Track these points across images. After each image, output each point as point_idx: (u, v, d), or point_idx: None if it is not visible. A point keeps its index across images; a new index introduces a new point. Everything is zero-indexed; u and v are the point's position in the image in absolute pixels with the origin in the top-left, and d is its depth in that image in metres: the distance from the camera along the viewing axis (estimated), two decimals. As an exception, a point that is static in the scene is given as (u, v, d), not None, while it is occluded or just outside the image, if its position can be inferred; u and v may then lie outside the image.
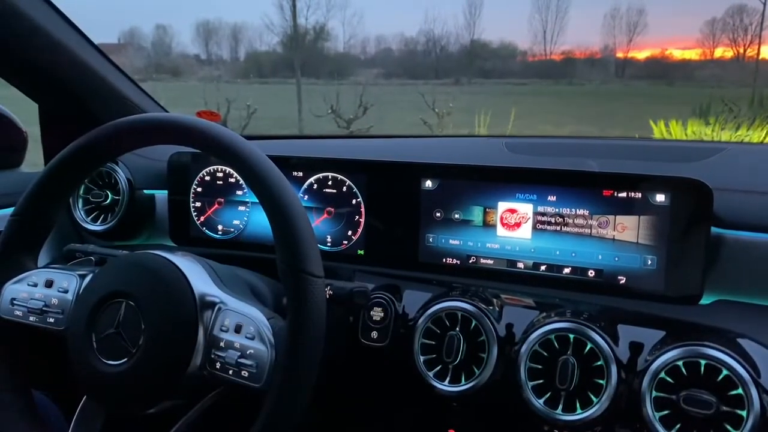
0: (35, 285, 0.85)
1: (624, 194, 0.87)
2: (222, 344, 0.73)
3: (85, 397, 0.82)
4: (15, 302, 0.84)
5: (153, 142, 0.84)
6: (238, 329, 0.74)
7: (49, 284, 0.85)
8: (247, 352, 0.72)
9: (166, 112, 1.30)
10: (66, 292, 0.84)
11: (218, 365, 0.73)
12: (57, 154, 0.84)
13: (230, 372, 0.72)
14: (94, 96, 1.19)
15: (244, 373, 0.71)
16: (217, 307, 0.76)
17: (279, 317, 0.75)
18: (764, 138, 5.40)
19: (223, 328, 0.74)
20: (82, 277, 0.85)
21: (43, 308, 0.83)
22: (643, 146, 1.19)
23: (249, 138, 0.99)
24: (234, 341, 0.73)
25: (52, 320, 0.83)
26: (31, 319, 0.83)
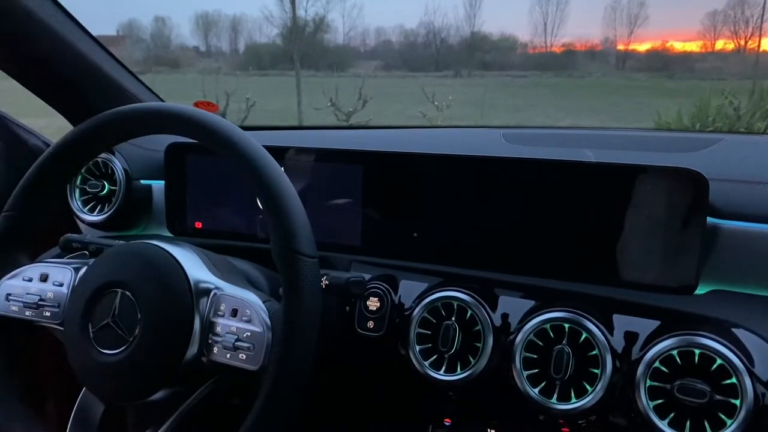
0: (30, 280, 0.85)
1: (620, 184, 0.87)
2: (218, 329, 0.74)
3: (83, 389, 0.82)
4: (10, 298, 0.84)
5: (146, 132, 0.84)
6: (234, 313, 0.74)
7: (44, 278, 0.85)
8: (244, 335, 0.73)
9: (162, 101, 1.30)
10: (61, 285, 0.84)
11: (215, 350, 0.74)
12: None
13: (228, 356, 0.73)
14: (91, 87, 1.19)
15: (242, 356, 0.72)
16: (212, 293, 0.76)
17: (275, 301, 0.76)
18: (765, 130, 5.39)
19: (220, 313, 0.75)
20: (77, 269, 0.85)
21: (39, 302, 0.83)
22: (641, 137, 1.19)
23: (247, 129, 0.99)
24: (231, 325, 0.74)
25: (48, 314, 0.83)
26: (27, 314, 0.84)
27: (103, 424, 0.81)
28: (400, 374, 0.93)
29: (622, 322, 0.85)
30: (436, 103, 7.80)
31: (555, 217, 0.91)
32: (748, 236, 0.85)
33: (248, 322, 0.73)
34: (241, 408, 0.74)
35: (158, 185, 1.21)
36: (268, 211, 0.73)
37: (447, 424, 0.97)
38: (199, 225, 1.14)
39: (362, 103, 7.60)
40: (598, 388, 0.80)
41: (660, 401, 0.77)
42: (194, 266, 0.79)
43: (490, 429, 0.94)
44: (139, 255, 0.79)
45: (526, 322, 0.85)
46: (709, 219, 0.85)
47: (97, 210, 1.21)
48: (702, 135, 1.22)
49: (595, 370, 0.81)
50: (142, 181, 1.21)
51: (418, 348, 0.90)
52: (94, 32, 1.16)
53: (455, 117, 8.10)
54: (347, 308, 0.97)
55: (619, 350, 0.82)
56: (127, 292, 0.76)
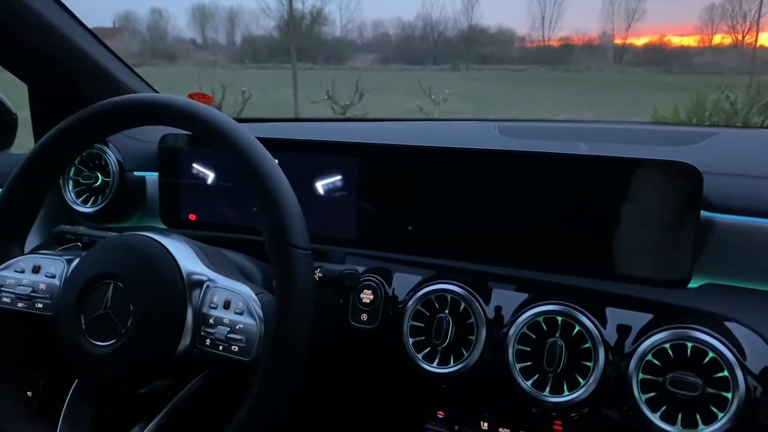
0: (22, 271, 0.85)
1: (614, 177, 0.87)
2: (211, 321, 0.74)
3: (75, 381, 0.82)
4: (2, 289, 0.84)
5: (139, 123, 0.84)
6: (226, 305, 0.74)
7: (36, 270, 0.84)
8: (237, 327, 0.73)
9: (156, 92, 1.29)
10: (53, 277, 0.84)
11: (208, 342, 0.74)
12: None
13: (220, 348, 0.73)
14: (85, 77, 1.18)
15: (234, 348, 0.72)
16: (205, 285, 0.76)
17: (267, 293, 0.76)
18: (761, 125, 5.39)
19: (212, 305, 0.75)
20: (69, 261, 0.85)
21: (31, 294, 0.83)
22: (636, 130, 1.19)
23: (243, 121, 0.99)
24: (223, 317, 0.73)
25: (40, 305, 0.83)
26: (19, 305, 0.83)
27: (95, 417, 0.81)
28: (393, 367, 0.93)
29: (615, 316, 0.85)
30: (433, 96, 7.79)
31: (548, 210, 0.91)
32: (741, 230, 0.85)
33: (240, 314, 0.73)
34: (233, 400, 0.74)
35: (152, 177, 1.20)
36: (262, 203, 0.73)
37: (440, 416, 0.97)
38: (193, 217, 1.13)
39: (359, 96, 7.58)
40: (591, 381, 0.81)
41: (652, 394, 0.77)
42: (187, 258, 0.78)
43: (483, 422, 0.94)
44: (131, 246, 0.78)
45: (519, 315, 0.85)
46: (703, 213, 0.85)
47: (90, 201, 1.21)
48: (697, 129, 1.22)
49: (588, 363, 0.81)
50: (135, 173, 1.20)
51: (411, 340, 0.90)
52: (90, 24, 1.15)
53: (452, 110, 8.09)
54: (341, 301, 0.97)
55: (612, 343, 0.82)
56: (120, 284, 0.76)
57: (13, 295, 0.84)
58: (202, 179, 1.12)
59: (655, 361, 0.78)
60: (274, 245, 0.72)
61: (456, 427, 0.96)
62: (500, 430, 0.93)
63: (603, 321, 0.84)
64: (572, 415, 0.84)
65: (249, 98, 7.22)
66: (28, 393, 1.08)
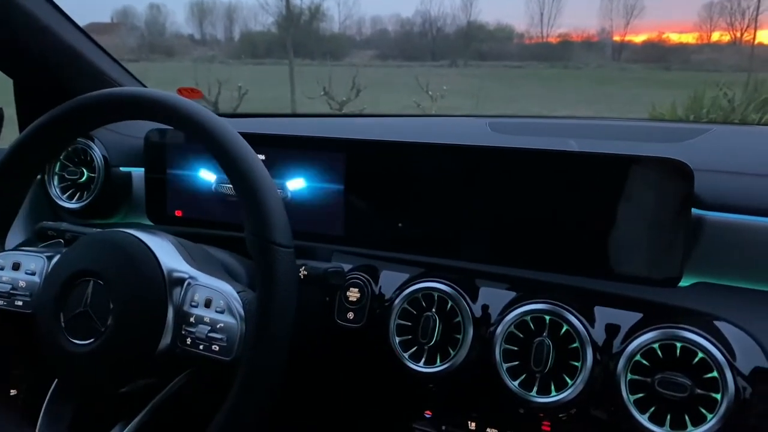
0: (2, 268, 0.84)
1: (604, 174, 0.85)
2: (192, 319, 0.73)
3: (55, 381, 0.81)
4: None
5: (121, 117, 0.83)
6: (208, 304, 0.73)
7: (16, 267, 0.84)
8: (218, 326, 0.72)
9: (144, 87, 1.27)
10: (33, 274, 0.83)
11: (189, 341, 0.73)
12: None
13: (201, 347, 0.72)
14: (72, 72, 1.17)
15: (215, 347, 0.71)
16: (186, 283, 0.75)
17: (250, 291, 0.75)
18: (759, 122, 5.38)
19: (193, 304, 0.74)
20: (50, 258, 0.84)
21: (11, 291, 0.82)
22: (628, 126, 1.18)
23: (236, 116, 0.97)
24: (204, 316, 0.72)
25: (20, 303, 0.82)
26: None
27: (75, 416, 0.80)
28: (380, 366, 0.92)
29: (603, 315, 0.83)
30: (430, 93, 7.78)
31: (538, 207, 0.89)
32: (733, 228, 0.84)
33: (222, 312, 0.72)
34: (215, 399, 0.73)
35: (138, 172, 1.19)
36: (243, 200, 0.72)
37: (427, 416, 0.96)
38: (179, 213, 1.12)
39: (356, 92, 7.57)
40: (579, 381, 0.79)
41: (641, 395, 0.76)
42: (168, 255, 0.77)
43: (471, 421, 0.93)
44: (111, 243, 0.77)
45: (507, 314, 0.84)
46: (694, 210, 0.83)
47: (76, 197, 1.19)
48: (690, 125, 1.21)
49: (576, 363, 0.80)
50: (121, 168, 1.19)
51: (397, 339, 0.89)
52: (88, 20, 1.15)
53: (450, 107, 8.07)
54: (327, 299, 0.95)
55: (600, 343, 0.81)
56: (99, 281, 0.74)
57: None
58: (189, 175, 1.10)
59: (644, 362, 0.77)
60: (255, 242, 0.71)
61: (443, 427, 0.95)
62: (488, 430, 0.92)
63: (591, 320, 0.83)
64: (560, 415, 0.83)
65: (245, 94, 7.21)
66: (12, 392, 1.07)
